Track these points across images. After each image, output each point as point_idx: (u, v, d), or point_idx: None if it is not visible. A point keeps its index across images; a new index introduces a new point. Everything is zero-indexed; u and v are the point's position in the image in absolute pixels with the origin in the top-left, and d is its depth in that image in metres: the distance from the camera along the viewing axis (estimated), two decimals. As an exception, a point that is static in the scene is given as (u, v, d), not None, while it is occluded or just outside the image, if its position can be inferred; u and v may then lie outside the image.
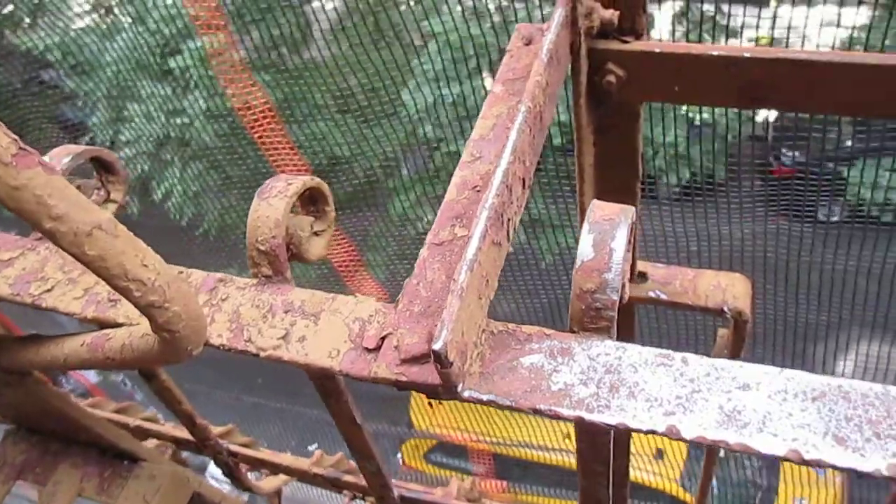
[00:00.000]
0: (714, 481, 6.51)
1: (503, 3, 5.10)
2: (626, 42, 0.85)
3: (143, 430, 1.19)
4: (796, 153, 5.73)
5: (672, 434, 0.57)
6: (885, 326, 5.31)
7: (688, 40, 4.81)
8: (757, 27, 4.69)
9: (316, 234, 0.78)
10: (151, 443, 1.30)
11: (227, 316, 0.71)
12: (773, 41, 4.85)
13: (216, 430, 1.32)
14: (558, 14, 0.78)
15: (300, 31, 4.22)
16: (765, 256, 5.19)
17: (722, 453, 6.83)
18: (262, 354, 0.68)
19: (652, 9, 5.37)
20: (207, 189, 4.72)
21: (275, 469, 1.18)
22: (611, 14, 0.82)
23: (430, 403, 6.50)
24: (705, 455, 1.44)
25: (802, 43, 5.03)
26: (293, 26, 4.19)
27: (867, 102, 0.79)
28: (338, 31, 4.49)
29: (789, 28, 4.76)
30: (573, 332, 0.64)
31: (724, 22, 4.69)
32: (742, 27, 4.72)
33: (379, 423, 6.80)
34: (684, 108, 4.83)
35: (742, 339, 1.10)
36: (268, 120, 4.01)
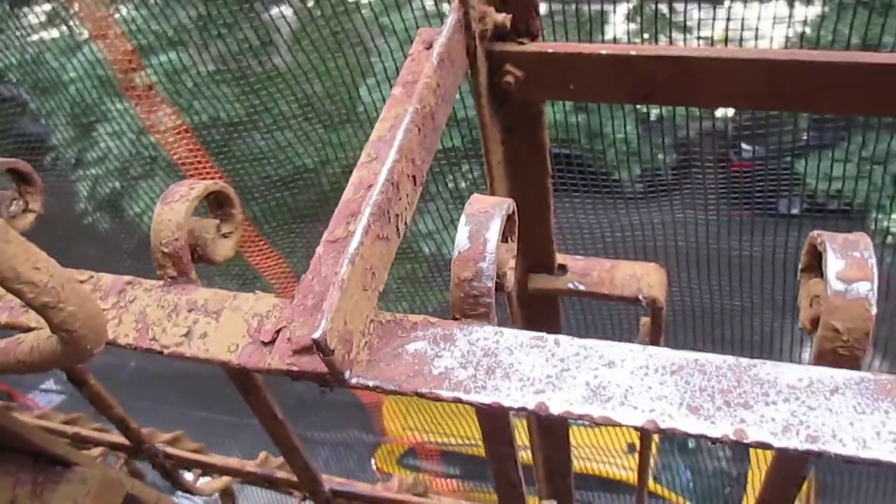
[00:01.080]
0: (688, 472, 6.60)
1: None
2: (521, 44, 0.89)
3: (81, 437, 1.21)
4: (756, 147, 5.84)
5: (541, 410, 0.60)
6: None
7: (641, 39, 4.88)
8: (712, 26, 4.78)
9: (224, 236, 0.81)
10: (96, 451, 1.32)
11: (133, 316, 0.74)
12: (727, 39, 4.95)
13: (164, 436, 1.35)
14: (451, 19, 0.82)
15: (260, 40, 4.24)
16: (707, 246, 5.28)
17: (691, 444, 6.93)
18: (166, 352, 0.71)
19: (607, 7, 5.46)
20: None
21: (209, 469, 1.21)
22: (503, 17, 0.86)
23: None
24: (640, 442, 1.49)
25: (756, 40, 5.13)
26: (253, 36, 4.21)
27: (745, 94, 0.83)
28: (299, 38, 4.52)
29: (742, 26, 4.86)
30: (456, 319, 0.67)
31: (678, 19, 4.78)
32: (699, 24, 4.82)
33: (351, 430, 6.82)
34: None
35: (659, 325, 1.14)
36: (185, 141, 4.03)
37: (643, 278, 1.12)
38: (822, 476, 5.92)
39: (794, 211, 5.93)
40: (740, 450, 6.23)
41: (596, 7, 5.41)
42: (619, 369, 0.61)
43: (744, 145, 5.98)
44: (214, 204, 0.81)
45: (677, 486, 6.44)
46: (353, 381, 0.64)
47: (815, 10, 5.22)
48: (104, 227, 5.93)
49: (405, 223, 0.73)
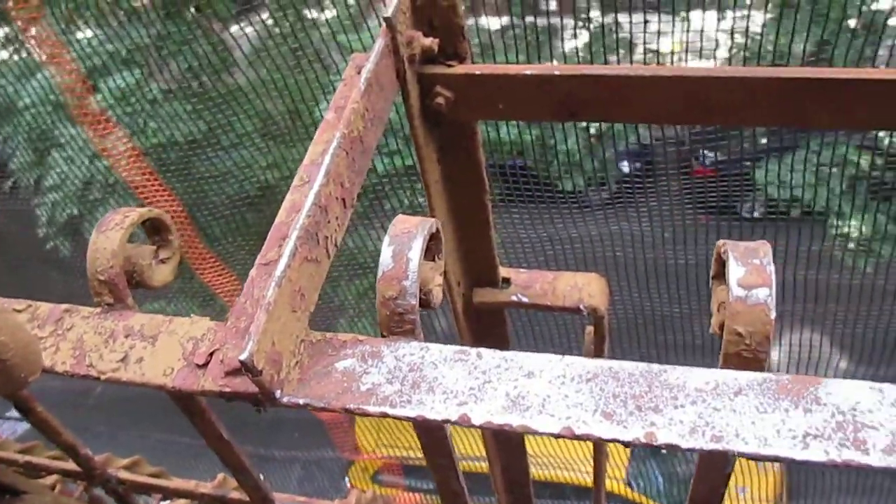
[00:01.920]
0: (660, 477, 6.65)
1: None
2: (450, 66, 0.92)
3: (34, 465, 1.21)
4: (717, 153, 5.96)
5: (464, 421, 0.63)
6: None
7: (590, 53, 4.95)
8: (672, 34, 4.87)
9: (162, 261, 0.82)
10: (50, 479, 1.32)
11: (71, 344, 0.75)
12: (687, 48, 5.05)
13: (121, 461, 1.35)
14: (378, 44, 0.84)
15: (219, 57, 4.26)
16: (665, 257, 5.38)
17: (664, 449, 6.97)
18: (103, 377, 0.72)
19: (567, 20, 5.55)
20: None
21: (166, 493, 1.22)
22: (431, 42, 0.88)
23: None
24: (593, 447, 1.52)
25: (715, 48, 5.24)
26: (212, 54, 4.22)
27: (665, 111, 0.87)
28: (259, 55, 4.53)
29: (702, 34, 4.96)
30: (384, 336, 0.70)
31: (628, 32, 4.87)
32: (658, 34, 4.91)
33: (324, 448, 6.79)
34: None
35: (602, 334, 1.17)
36: (137, 164, 4.04)
37: (584, 288, 1.15)
38: (795, 477, 6.01)
39: (756, 214, 6.05)
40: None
41: (554, 21, 5.49)
42: (538, 379, 0.64)
43: (705, 152, 6.09)
44: (151, 230, 0.82)
45: (652, 492, 6.50)
46: (285, 399, 0.66)
47: (768, 16, 5.34)
48: (65, 252, 5.89)
49: (335, 244, 0.75)
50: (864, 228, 4.91)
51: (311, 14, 5.44)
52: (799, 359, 5.91)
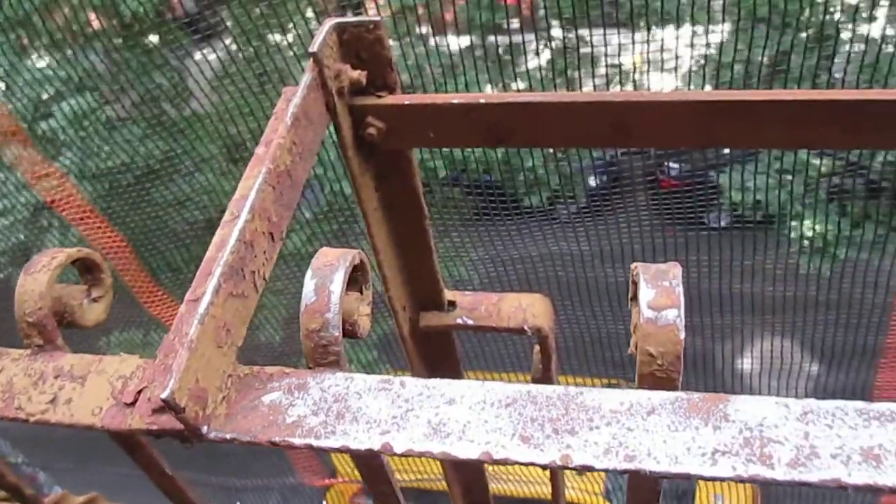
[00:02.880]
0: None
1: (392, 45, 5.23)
2: (380, 97, 0.93)
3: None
4: (682, 164, 6.04)
5: (386, 450, 0.64)
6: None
7: (553, 69, 5.01)
8: (632, 51, 4.95)
9: (94, 300, 0.83)
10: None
11: (0, 387, 0.75)
12: (648, 64, 5.13)
13: (77, 499, 1.34)
14: (306, 78, 0.86)
15: (179, 85, 4.26)
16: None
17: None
18: (32, 419, 0.72)
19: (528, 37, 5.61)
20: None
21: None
22: (359, 74, 0.90)
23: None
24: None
25: (676, 63, 5.33)
26: (171, 81, 4.22)
27: (590, 135, 0.89)
28: (222, 80, 4.54)
29: (662, 49, 5.05)
30: (310, 368, 0.71)
31: (589, 49, 4.94)
32: (619, 49, 4.99)
33: (301, 474, 6.74)
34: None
35: (548, 353, 1.19)
36: (72, 196, 4.03)
37: (528, 309, 1.16)
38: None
39: (723, 224, 6.13)
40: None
41: (516, 39, 5.55)
42: (459, 406, 0.65)
43: (670, 163, 6.17)
44: (83, 269, 0.83)
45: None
46: (212, 435, 0.67)
47: (727, 28, 5.44)
48: (15, 282, 5.78)
49: (264, 278, 0.76)
50: (818, 229, 4.99)
51: (274, 38, 5.46)
52: (771, 367, 5.97)
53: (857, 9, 4.79)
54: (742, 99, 0.84)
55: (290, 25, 5.27)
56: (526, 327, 1.15)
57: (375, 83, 0.93)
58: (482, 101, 0.90)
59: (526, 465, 0.62)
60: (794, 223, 5.44)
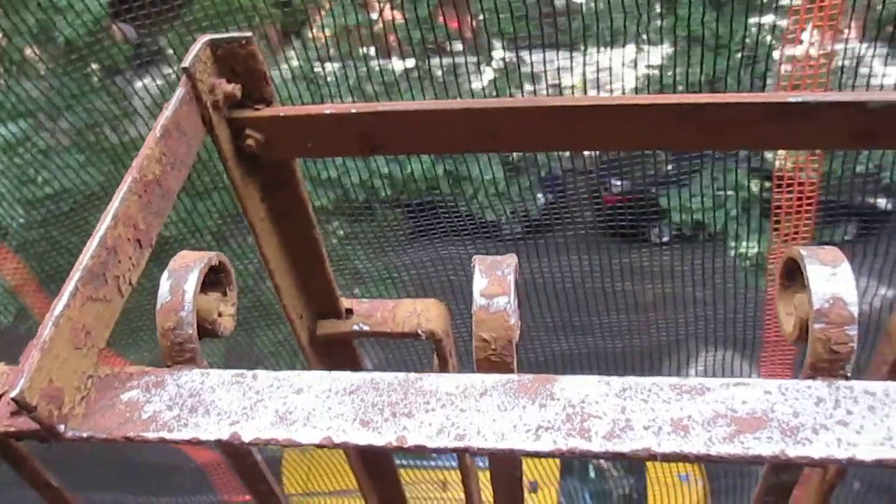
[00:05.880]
0: (587, 495, 6.72)
1: (335, 66, 5.30)
2: (257, 109, 0.97)
3: None
4: (624, 181, 6.18)
5: (235, 439, 0.66)
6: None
7: (495, 89, 5.11)
8: (572, 71, 5.07)
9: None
10: None
11: None
12: (585, 83, 5.26)
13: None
14: (178, 93, 0.89)
15: (120, 110, 4.24)
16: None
17: (592, 473, 7.10)
18: None
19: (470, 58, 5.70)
20: (29, 282, 4.61)
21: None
22: (233, 88, 0.93)
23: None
24: (461, 472, 1.56)
25: (611, 82, 5.45)
26: (111, 105, 4.20)
27: (457, 140, 0.93)
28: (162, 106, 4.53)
29: (598, 70, 5.18)
30: (168, 366, 0.73)
31: (532, 69, 5.05)
32: (559, 70, 5.10)
33: (221, 490, 6.67)
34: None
35: (443, 356, 1.22)
36: None
37: (423, 314, 1.20)
38: (715, 481, 6.15)
39: (665, 239, 6.27)
40: (637, 473, 6.42)
41: (459, 60, 5.63)
42: (306, 395, 0.68)
43: (613, 180, 6.30)
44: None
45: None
46: (69, 434, 0.69)
47: (666, 51, 5.60)
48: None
49: (130, 283, 0.79)
50: (758, 247, 5.13)
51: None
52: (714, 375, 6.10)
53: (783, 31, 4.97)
54: (600, 104, 0.89)
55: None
56: (420, 331, 1.18)
57: (252, 96, 0.97)
58: (353, 110, 0.94)
59: (364, 447, 0.65)
60: (731, 241, 5.58)
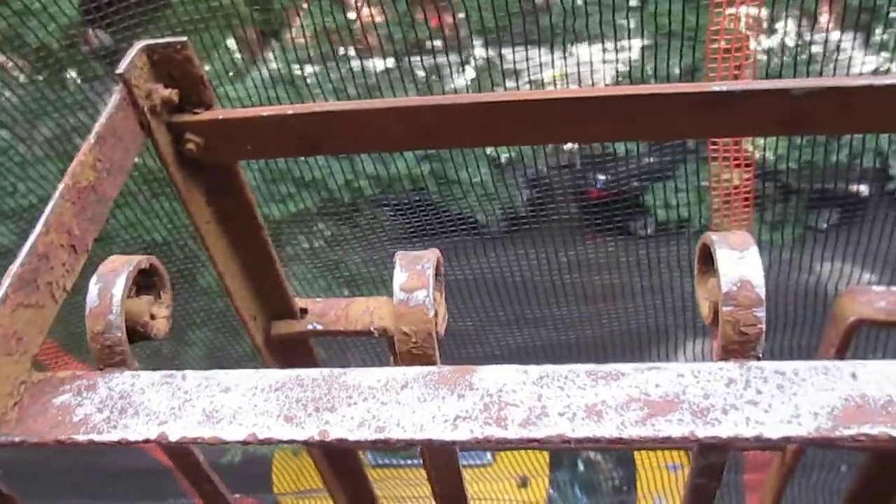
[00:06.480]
0: (577, 488, 6.75)
1: (306, 69, 5.31)
2: (197, 113, 0.98)
3: None
4: (608, 176, 6.22)
5: (162, 439, 0.67)
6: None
7: (478, 87, 5.12)
8: (553, 66, 5.10)
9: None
10: None
11: None
12: (566, 77, 5.28)
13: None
14: (114, 98, 0.90)
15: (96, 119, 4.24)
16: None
17: (581, 467, 7.12)
18: None
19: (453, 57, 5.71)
20: None
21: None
22: (170, 93, 0.94)
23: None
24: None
25: (592, 76, 5.47)
26: (90, 112, 4.21)
27: (392, 138, 0.94)
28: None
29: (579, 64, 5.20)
30: (101, 369, 0.74)
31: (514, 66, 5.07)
32: (542, 65, 5.12)
33: (193, 496, 6.68)
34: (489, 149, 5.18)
35: (395, 352, 1.23)
36: None
37: (375, 311, 1.21)
38: (726, 475, 6.19)
39: (649, 232, 6.30)
40: (627, 469, 6.46)
41: (441, 59, 5.64)
42: (233, 393, 0.69)
43: (598, 175, 6.33)
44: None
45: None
46: (1, 439, 0.70)
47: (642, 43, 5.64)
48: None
49: (64, 289, 0.79)
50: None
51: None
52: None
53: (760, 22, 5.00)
54: (525, 98, 0.90)
55: (216, 55, 5.29)
56: (373, 329, 1.19)
57: (191, 100, 0.98)
58: (291, 112, 0.95)
59: (288, 442, 0.66)
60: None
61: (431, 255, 0.70)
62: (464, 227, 5.71)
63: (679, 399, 0.63)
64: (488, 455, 6.25)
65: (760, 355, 0.68)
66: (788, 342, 5.54)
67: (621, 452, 6.51)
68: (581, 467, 6.47)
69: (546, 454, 6.11)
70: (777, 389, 0.63)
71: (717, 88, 0.87)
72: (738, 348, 0.67)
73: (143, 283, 0.78)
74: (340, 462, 1.47)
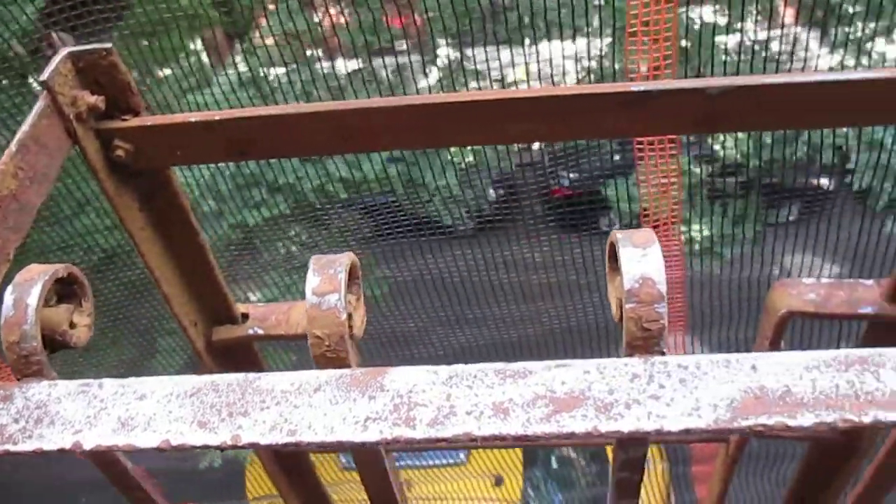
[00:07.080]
0: (553, 485, 6.79)
1: (279, 72, 5.29)
2: (125, 120, 0.98)
3: None
4: (572, 174, 6.28)
5: (77, 447, 0.68)
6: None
7: (441, 87, 5.14)
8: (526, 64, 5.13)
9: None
10: None
11: None
12: (528, 75, 5.32)
13: None
14: (37, 106, 0.90)
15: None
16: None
17: (555, 464, 7.16)
18: None
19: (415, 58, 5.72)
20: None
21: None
22: (96, 99, 0.94)
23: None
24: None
25: (563, 75, 5.52)
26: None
27: (317, 143, 0.95)
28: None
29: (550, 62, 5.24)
30: (18, 379, 0.74)
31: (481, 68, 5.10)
32: (513, 64, 5.15)
33: (214, 498, 6.66)
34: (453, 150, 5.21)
35: (340, 355, 1.24)
36: None
37: (316, 314, 1.21)
38: (675, 468, 6.25)
39: (617, 227, 6.35)
40: (598, 455, 6.51)
41: (403, 60, 5.65)
42: (149, 400, 0.70)
43: (562, 172, 6.37)
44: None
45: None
46: (-83, 451, 0.70)
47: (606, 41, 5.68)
48: None
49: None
50: (705, 232, 5.22)
51: (161, 73, 5.44)
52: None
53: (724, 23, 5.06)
54: (456, 101, 0.91)
55: (182, 57, 5.26)
56: (314, 332, 1.20)
57: (119, 107, 0.98)
58: (218, 118, 0.95)
59: (201, 448, 0.67)
60: (682, 227, 5.68)
61: (345, 259, 0.71)
62: (430, 227, 5.73)
63: (584, 395, 0.65)
64: (461, 454, 6.27)
65: (665, 350, 0.69)
66: (753, 335, 5.62)
67: (594, 448, 6.56)
68: (555, 464, 6.50)
69: (519, 451, 6.13)
70: (679, 384, 0.65)
71: (635, 88, 0.88)
72: (643, 344, 0.68)
73: (64, 291, 0.78)
74: (290, 464, 1.47)
